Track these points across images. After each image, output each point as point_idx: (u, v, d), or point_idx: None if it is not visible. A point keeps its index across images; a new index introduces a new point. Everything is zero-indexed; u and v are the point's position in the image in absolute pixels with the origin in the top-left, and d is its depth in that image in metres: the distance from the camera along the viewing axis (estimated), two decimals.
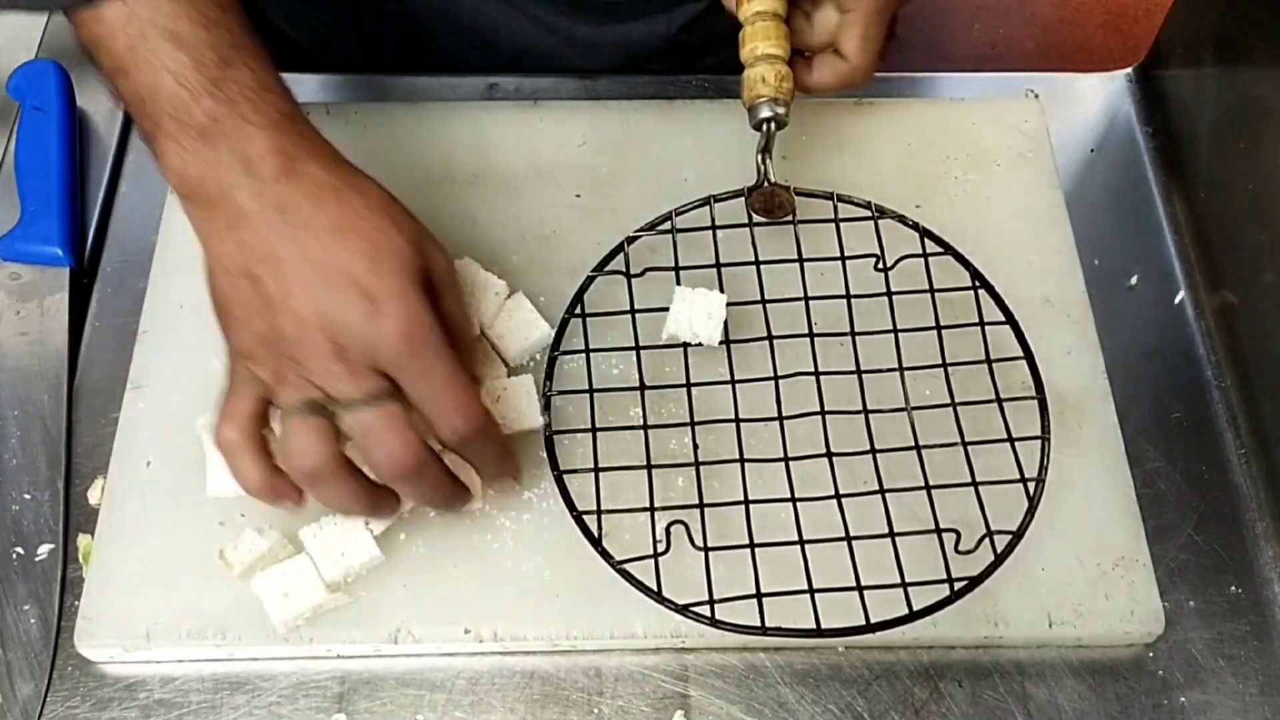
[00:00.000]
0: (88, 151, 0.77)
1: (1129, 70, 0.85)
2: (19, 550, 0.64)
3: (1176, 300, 0.75)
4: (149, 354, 0.68)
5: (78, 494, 0.65)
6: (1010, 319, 0.66)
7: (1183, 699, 0.61)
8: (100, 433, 0.67)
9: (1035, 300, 0.70)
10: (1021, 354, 0.65)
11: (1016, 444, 0.62)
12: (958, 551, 0.59)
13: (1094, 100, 0.84)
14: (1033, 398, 0.64)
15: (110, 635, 0.60)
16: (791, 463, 0.63)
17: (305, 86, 0.81)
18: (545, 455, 0.62)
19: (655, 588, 0.58)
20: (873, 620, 0.58)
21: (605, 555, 0.59)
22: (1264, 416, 0.69)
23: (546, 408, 0.64)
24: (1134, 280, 0.75)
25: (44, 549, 0.64)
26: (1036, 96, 0.80)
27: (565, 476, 0.61)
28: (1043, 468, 0.61)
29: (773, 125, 0.66)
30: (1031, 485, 0.61)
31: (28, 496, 0.65)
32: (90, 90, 0.79)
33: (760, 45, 0.65)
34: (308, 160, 0.54)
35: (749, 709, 0.60)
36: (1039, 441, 0.62)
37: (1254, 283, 0.71)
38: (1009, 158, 0.77)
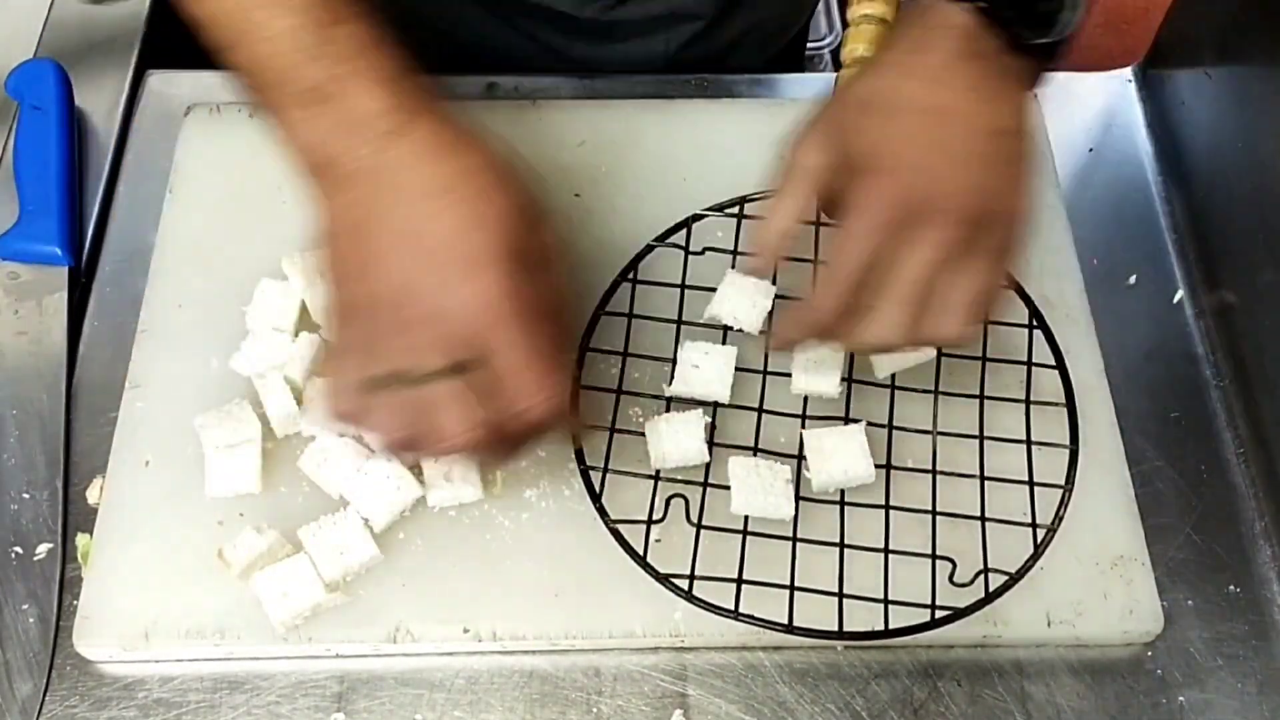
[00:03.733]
0: (86, 151, 0.77)
1: (1128, 70, 0.85)
2: (18, 550, 0.64)
3: (1175, 299, 0.75)
4: (148, 353, 0.68)
5: (76, 493, 0.65)
6: (1061, 365, 0.65)
7: (1181, 698, 0.61)
8: (99, 432, 0.67)
9: (1034, 300, 0.69)
10: (1064, 402, 0.64)
11: (1035, 488, 0.62)
12: (951, 582, 0.59)
13: (1093, 100, 0.84)
14: (1065, 446, 0.63)
15: (109, 634, 0.60)
16: (804, 461, 0.63)
17: None
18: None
19: (641, 553, 0.59)
20: (846, 629, 0.58)
21: (601, 512, 0.60)
22: (1262, 415, 0.69)
23: (580, 363, 0.64)
24: (1133, 279, 0.75)
25: (43, 548, 0.64)
26: (1035, 96, 0.79)
27: (583, 432, 0.62)
28: (1058, 517, 0.61)
29: None
30: (1041, 532, 0.61)
31: (26, 496, 0.65)
32: (89, 89, 0.79)
33: (859, 48, 0.66)
34: (417, 119, 0.52)
35: (748, 708, 0.60)
36: (1058, 490, 0.62)
37: (1252, 282, 0.71)
38: None
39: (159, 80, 0.81)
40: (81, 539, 0.64)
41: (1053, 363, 0.66)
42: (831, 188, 0.56)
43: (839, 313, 0.55)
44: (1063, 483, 0.62)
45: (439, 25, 0.83)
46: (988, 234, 0.54)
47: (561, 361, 0.53)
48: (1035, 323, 0.67)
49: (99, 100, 0.79)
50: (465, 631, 0.60)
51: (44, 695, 0.60)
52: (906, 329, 0.54)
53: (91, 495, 0.65)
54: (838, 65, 0.68)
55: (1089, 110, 0.83)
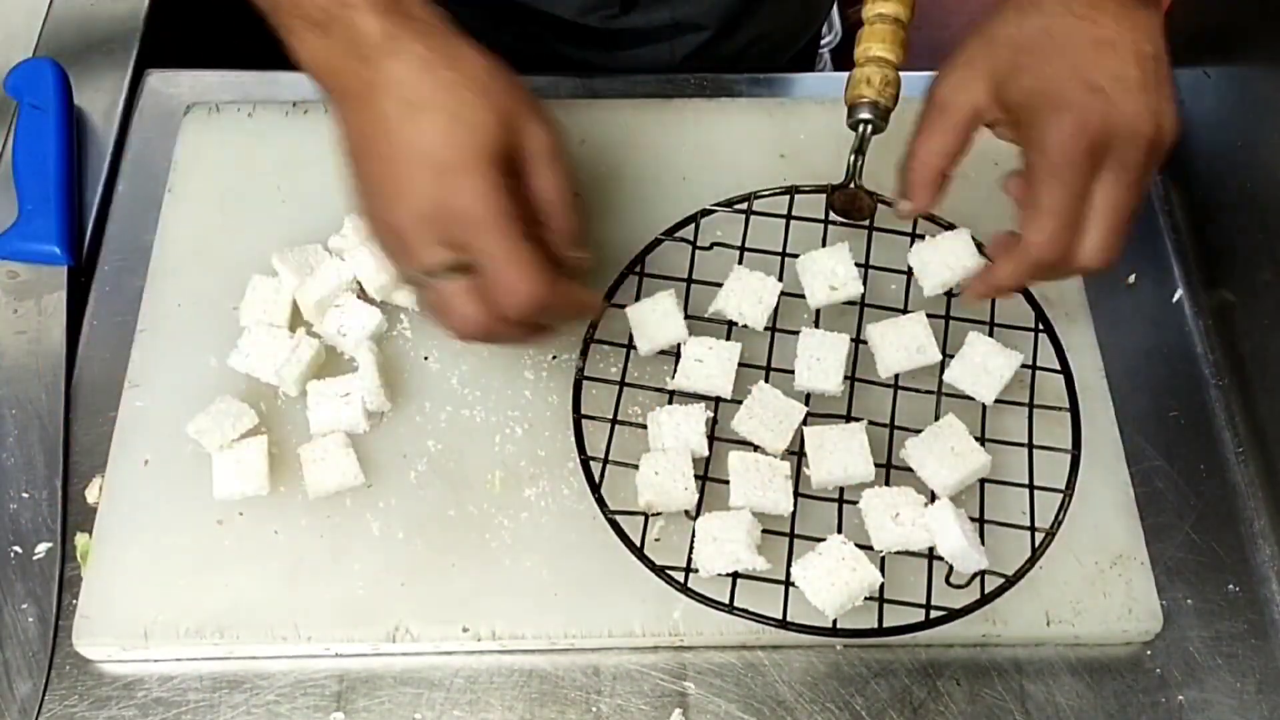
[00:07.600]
0: (85, 149, 0.77)
1: None
2: (17, 549, 0.64)
3: (1174, 298, 0.75)
4: (147, 352, 0.68)
5: (75, 492, 0.65)
6: (1066, 370, 0.65)
7: (1180, 697, 0.62)
8: (98, 431, 0.67)
9: (1036, 300, 0.69)
10: (1068, 407, 0.64)
11: (1035, 492, 0.62)
12: (948, 583, 0.59)
13: None
14: (1067, 451, 0.63)
15: (108, 634, 0.60)
16: (804, 458, 0.63)
17: (305, 85, 0.80)
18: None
19: (639, 544, 0.59)
20: (839, 627, 0.58)
21: (600, 503, 0.60)
22: (1261, 414, 0.69)
23: (584, 353, 0.65)
24: (1132, 279, 0.75)
25: (42, 548, 0.64)
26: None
27: (583, 422, 0.62)
28: (1057, 522, 0.61)
29: (868, 128, 0.65)
30: (1039, 535, 0.61)
31: (26, 495, 0.65)
32: (88, 88, 0.79)
33: (874, 47, 0.65)
34: (411, 39, 0.56)
35: (747, 707, 0.60)
36: (1058, 495, 0.62)
37: (1251, 281, 0.71)
38: (1008, 157, 0.76)
39: (158, 79, 0.81)
40: (81, 538, 0.64)
41: (1057, 367, 0.65)
42: (990, 127, 0.60)
43: (1057, 248, 0.57)
44: (1063, 487, 0.62)
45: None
46: (1156, 153, 0.57)
47: (535, 258, 0.55)
48: (1041, 326, 0.67)
49: (98, 99, 0.79)
50: (465, 631, 0.60)
51: (43, 695, 0.60)
52: (1115, 249, 0.57)
53: (91, 495, 0.65)
54: (838, 65, 0.68)
55: None
